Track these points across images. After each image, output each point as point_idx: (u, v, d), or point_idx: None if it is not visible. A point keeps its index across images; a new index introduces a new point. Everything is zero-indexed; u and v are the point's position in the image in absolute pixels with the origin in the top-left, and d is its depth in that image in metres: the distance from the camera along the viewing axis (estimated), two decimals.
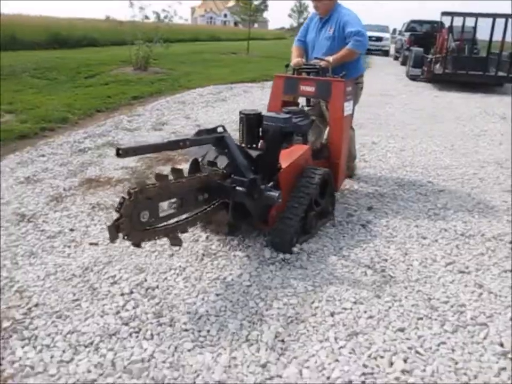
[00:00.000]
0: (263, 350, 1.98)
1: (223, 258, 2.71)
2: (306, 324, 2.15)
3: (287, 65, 3.82)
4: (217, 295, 2.36)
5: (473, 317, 2.25)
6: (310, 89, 3.44)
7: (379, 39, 24.31)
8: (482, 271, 2.68)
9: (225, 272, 2.57)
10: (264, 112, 3.06)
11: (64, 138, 5.25)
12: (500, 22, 10.20)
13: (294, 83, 3.51)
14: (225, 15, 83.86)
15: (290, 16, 32.08)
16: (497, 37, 10.43)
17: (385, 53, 24.04)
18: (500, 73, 10.50)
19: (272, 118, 2.96)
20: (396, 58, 20.17)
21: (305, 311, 2.24)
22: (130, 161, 4.46)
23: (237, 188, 2.53)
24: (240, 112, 3.00)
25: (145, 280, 2.47)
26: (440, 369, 1.91)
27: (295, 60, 3.76)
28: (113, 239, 2.13)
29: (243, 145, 2.96)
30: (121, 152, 2.07)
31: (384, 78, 12.49)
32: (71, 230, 3.05)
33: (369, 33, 23.83)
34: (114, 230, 2.11)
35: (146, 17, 11.72)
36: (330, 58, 3.49)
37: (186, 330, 2.10)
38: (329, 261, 2.72)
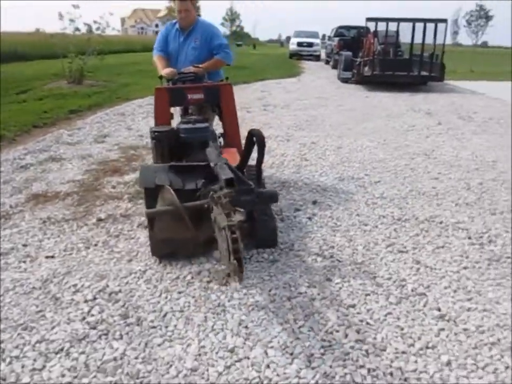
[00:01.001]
0: (229, 337, 2.12)
1: (181, 259, 2.82)
2: (267, 310, 2.32)
3: (160, 77, 3.65)
4: (180, 292, 2.47)
5: (414, 289, 2.53)
6: (199, 96, 3.44)
7: (310, 44, 25.23)
8: (418, 249, 2.98)
9: (185, 271, 2.68)
10: (178, 126, 3.07)
11: (3, 155, 5.11)
12: (419, 26, 10.98)
13: (180, 93, 3.44)
14: (157, 25, 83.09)
15: (222, 24, 32.43)
16: (418, 39, 11.21)
17: (317, 58, 24.94)
18: (423, 73, 11.29)
19: (192, 129, 2.99)
20: (327, 62, 20.99)
21: (265, 299, 2.41)
22: (77, 174, 4.45)
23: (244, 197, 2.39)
24: (152, 130, 3.02)
25: (108, 286, 2.53)
26: (388, 336, 2.14)
27: (167, 69, 3.66)
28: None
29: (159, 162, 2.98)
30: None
31: (317, 82, 13.02)
32: (24, 245, 3.03)
33: (301, 40, 24.68)
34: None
35: (77, 29, 11.48)
36: (203, 66, 3.64)
37: (154, 327, 2.20)
38: (282, 253, 2.91)
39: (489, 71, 19.27)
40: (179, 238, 2.61)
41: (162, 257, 2.79)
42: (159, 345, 2.08)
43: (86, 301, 2.39)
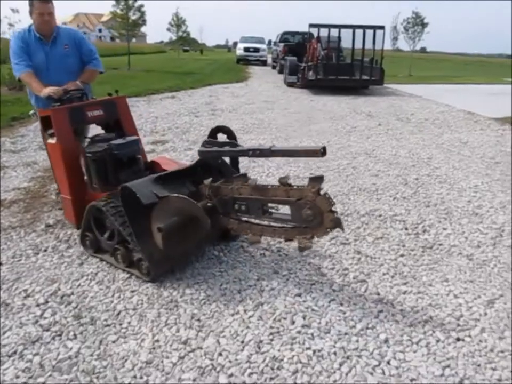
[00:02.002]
0: (183, 330, 2.21)
1: None
2: (218, 303, 2.43)
3: (48, 98, 3.14)
4: (133, 291, 2.53)
5: (355, 277, 2.72)
6: (99, 112, 3.22)
7: (256, 50, 25.59)
8: (359, 241, 3.19)
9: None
10: (112, 143, 2.92)
11: None
12: (359, 32, 11.48)
13: (79, 112, 3.12)
14: (100, 30, 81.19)
15: (168, 30, 32.05)
16: (360, 45, 11.69)
17: (263, 63, 25.31)
18: (364, 77, 11.80)
19: (125, 144, 2.92)
20: (274, 67, 21.36)
21: (215, 293, 2.51)
22: (22, 182, 4.37)
23: None
24: (89, 151, 2.89)
25: (59, 289, 2.55)
26: (332, 320, 2.31)
27: (51, 88, 3.14)
28: None
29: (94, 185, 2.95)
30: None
31: (263, 86, 13.26)
32: None
33: (247, 45, 24.89)
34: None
35: None
36: (79, 82, 3.35)
37: (108, 325, 2.25)
38: (231, 249, 3.02)
39: (427, 75, 20.35)
40: (183, 249, 2.65)
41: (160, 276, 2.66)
42: (113, 341, 2.13)
43: (38, 305, 2.40)
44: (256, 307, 2.39)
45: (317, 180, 2.26)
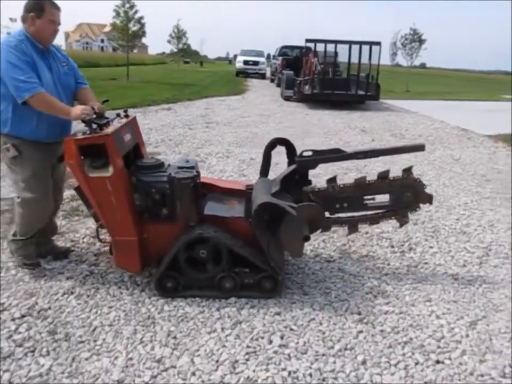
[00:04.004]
0: (158, 348, 2.18)
1: (112, 275, 2.84)
2: (196, 320, 2.40)
3: (89, 121, 2.49)
4: (110, 307, 2.50)
5: (337, 295, 2.69)
6: (129, 136, 2.80)
7: (256, 63, 25.77)
8: (344, 258, 3.17)
9: (115, 287, 2.70)
10: (191, 166, 2.73)
11: None
12: (356, 47, 11.58)
13: (120, 136, 2.63)
14: (102, 40, 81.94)
15: (169, 42, 32.28)
16: (357, 60, 11.77)
17: (262, 76, 25.48)
18: (360, 92, 11.87)
19: (188, 169, 2.70)
20: (272, 80, 21.50)
21: (194, 310, 2.48)
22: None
23: None
24: (178, 177, 2.54)
25: (37, 304, 2.51)
26: (310, 340, 2.27)
27: (81, 108, 2.58)
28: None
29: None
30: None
31: (260, 99, 13.32)
32: None
33: (247, 58, 25.09)
34: None
35: None
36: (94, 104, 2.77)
37: (82, 342, 2.21)
38: None
39: (424, 91, 20.49)
40: None
41: None
42: (86, 359, 2.10)
43: (13, 319, 2.37)
44: (235, 325, 2.36)
45: (408, 170, 2.83)
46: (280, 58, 18.63)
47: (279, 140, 3.08)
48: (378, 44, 11.63)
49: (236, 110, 10.71)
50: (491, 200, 4.59)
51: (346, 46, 11.73)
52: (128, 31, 19.36)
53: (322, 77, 12.01)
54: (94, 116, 2.59)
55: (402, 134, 8.30)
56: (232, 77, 24.96)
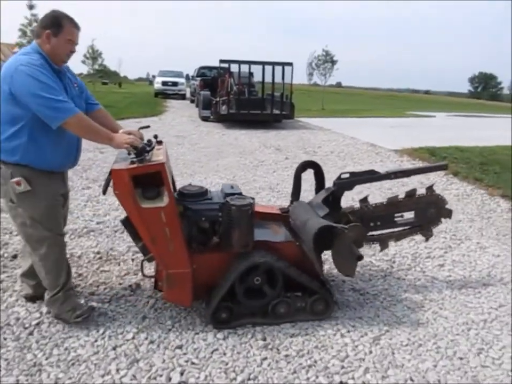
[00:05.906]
0: None
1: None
2: (88, 363, 2.20)
3: (142, 150, 2.34)
4: None
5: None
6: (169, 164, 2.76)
7: (175, 84, 25.60)
8: None
9: None
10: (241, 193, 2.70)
11: None
12: (269, 68, 11.83)
13: (169, 165, 2.67)
14: None
15: (83, 62, 30.94)
16: (274, 80, 12.02)
17: (182, 97, 25.33)
18: (275, 111, 12.12)
19: (240, 196, 2.65)
20: (192, 101, 21.43)
21: (87, 351, 2.28)
22: None
23: None
24: (234, 204, 2.46)
25: None
26: (212, 373, 2.17)
27: (127, 136, 2.38)
28: None
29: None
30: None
31: (177, 120, 13.17)
32: None
33: (166, 79, 24.80)
34: None
35: None
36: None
37: None
38: (112, 300, 2.80)
39: (338, 109, 21.45)
40: None
41: None
42: None
43: None
44: (131, 364, 2.20)
45: (431, 188, 3.13)
46: (199, 78, 18.63)
47: (309, 163, 3.13)
48: (290, 64, 11.97)
49: (151, 131, 10.44)
50: None
51: (260, 67, 11.96)
52: None
53: (238, 97, 12.12)
54: (141, 145, 2.35)
55: (315, 151, 8.54)
56: (151, 98, 24.55)
